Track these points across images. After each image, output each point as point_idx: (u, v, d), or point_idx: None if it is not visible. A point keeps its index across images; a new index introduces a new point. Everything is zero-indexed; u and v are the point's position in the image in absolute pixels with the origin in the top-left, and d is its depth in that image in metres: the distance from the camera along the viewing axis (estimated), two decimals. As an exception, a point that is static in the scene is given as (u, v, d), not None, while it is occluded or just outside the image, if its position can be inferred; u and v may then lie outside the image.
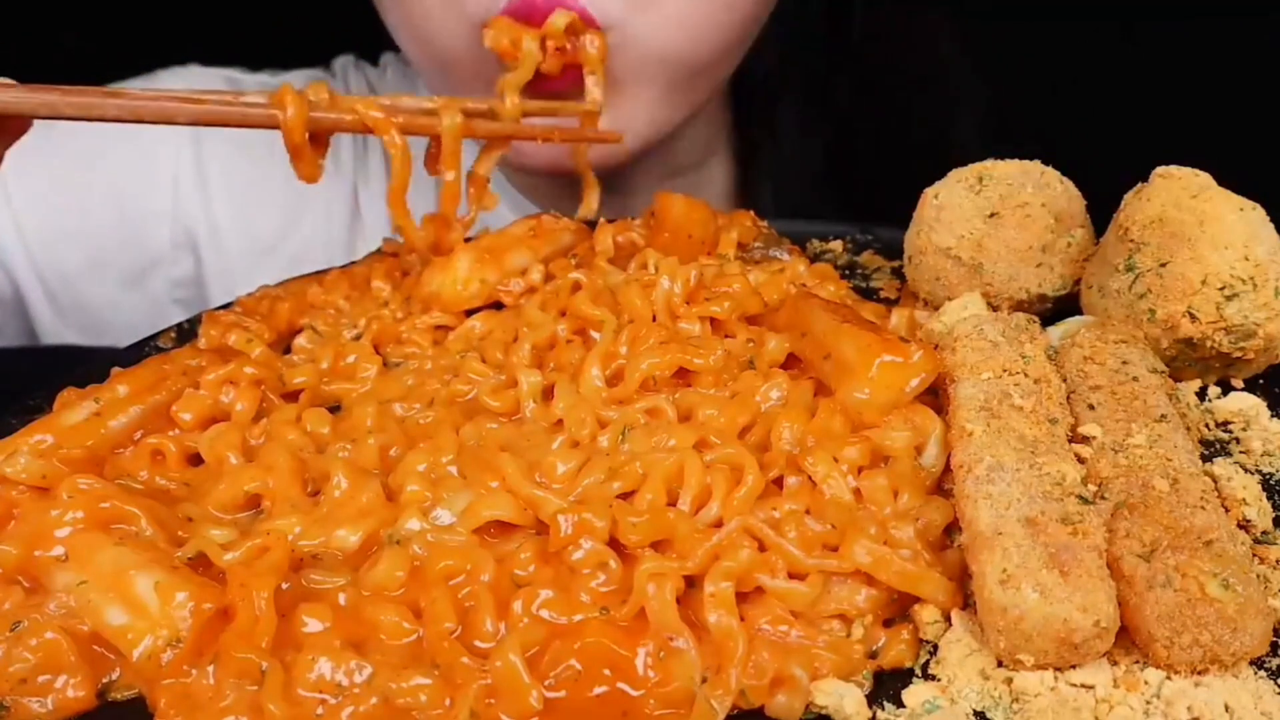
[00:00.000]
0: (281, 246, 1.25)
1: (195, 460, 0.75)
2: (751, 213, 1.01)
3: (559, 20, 0.94)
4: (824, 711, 0.57)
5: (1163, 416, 0.65)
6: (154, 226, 1.24)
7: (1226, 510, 0.63)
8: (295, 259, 1.24)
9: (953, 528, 0.64)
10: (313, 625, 0.60)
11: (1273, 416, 0.73)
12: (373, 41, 1.30)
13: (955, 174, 0.86)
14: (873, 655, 0.59)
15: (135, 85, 1.21)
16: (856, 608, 0.60)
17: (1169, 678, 0.55)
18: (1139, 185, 0.77)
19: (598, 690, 0.57)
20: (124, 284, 1.25)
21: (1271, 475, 0.69)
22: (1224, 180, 0.75)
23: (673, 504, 0.65)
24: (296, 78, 1.31)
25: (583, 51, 0.97)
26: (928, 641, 0.60)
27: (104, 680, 0.60)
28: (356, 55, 1.37)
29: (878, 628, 0.60)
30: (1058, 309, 0.83)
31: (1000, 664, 0.57)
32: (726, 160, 1.30)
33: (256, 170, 1.25)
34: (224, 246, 1.25)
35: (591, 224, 0.97)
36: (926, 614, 0.60)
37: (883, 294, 0.93)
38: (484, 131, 0.91)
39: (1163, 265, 0.73)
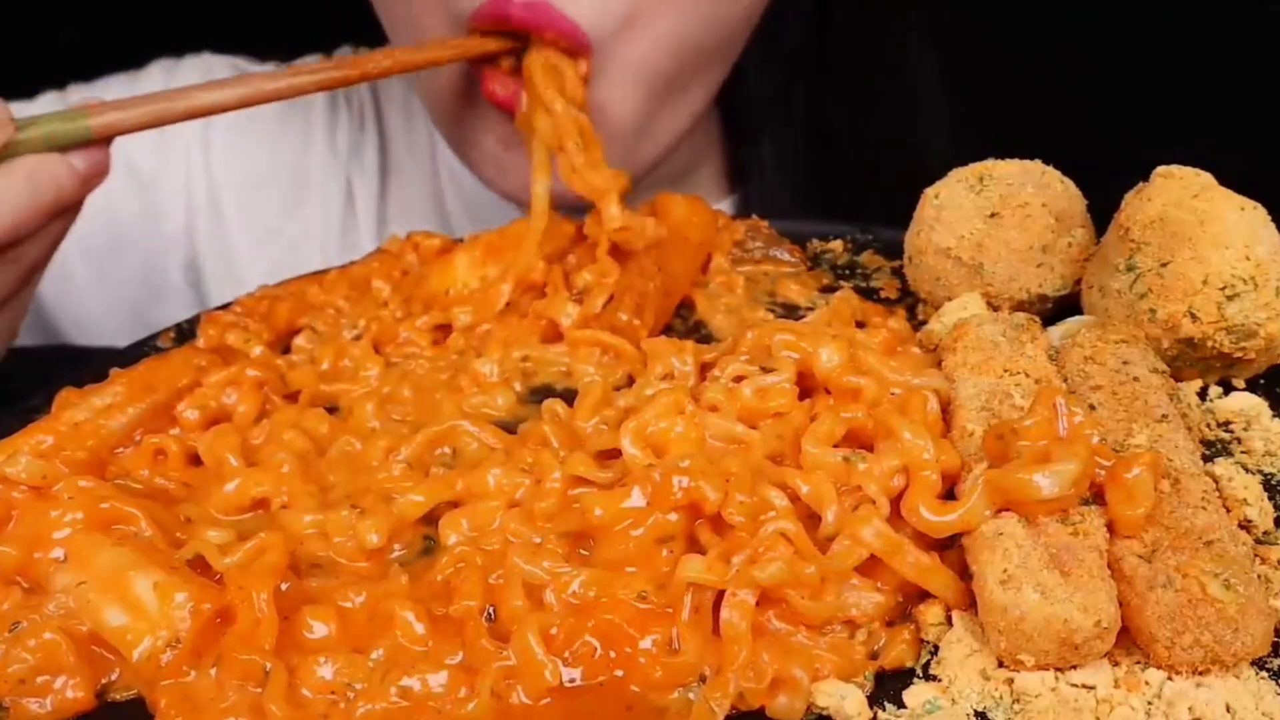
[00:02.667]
0: (280, 233, 1.26)
1: (197, 460, 0.75)
2: (755, 218, 1.01)
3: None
4: (825, 712, 0.57)
5: (1164, 416, 0.65)
6: (168, 210, 1.26)
7: (1228, 510, 0.63)
8: (293, 246, 1.25)
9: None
10: (317, 628, 0.60)
11: (1274, 416, 0.73)
12: (374, 32, 1.31)
13: (955, 174, 0.85)
14: (874, 656, 0.59)
15: (154, 75, 1.27)
16: (866, 614, 0.60)
17: (1170, 678, 0.55)
18: (1139, 185, 0.77)
19: (616, 673, 0.57)
20: (142, 265, 1.27)
21: (1273, 475, 0.68)
22: (1225, 180, 0.75)
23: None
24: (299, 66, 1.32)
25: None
26: (928, 642, 0.60)
27: (103, 681, 0.60)
28: (356, 45, 1.37)
29: (881, 629, 0.60)
30: (1058, 309, 0.83)
31: (1001, 664, 0.57)
32: (714, 170, 1.30)
33: (259, 153, 1.26)
34: (226, 233, 1.26)
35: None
36: (931, 615, 0.60)
37: (883, 294, 0.93)
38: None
39: (1163, 265, 0.73)
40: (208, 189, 1.26)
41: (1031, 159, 0.85)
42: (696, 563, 0.59)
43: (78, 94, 1.26)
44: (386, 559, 0.67)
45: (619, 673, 0.58)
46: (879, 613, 0.60)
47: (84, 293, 1.26)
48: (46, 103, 1.25)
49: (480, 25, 0.93)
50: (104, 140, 0.81)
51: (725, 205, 1.29)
